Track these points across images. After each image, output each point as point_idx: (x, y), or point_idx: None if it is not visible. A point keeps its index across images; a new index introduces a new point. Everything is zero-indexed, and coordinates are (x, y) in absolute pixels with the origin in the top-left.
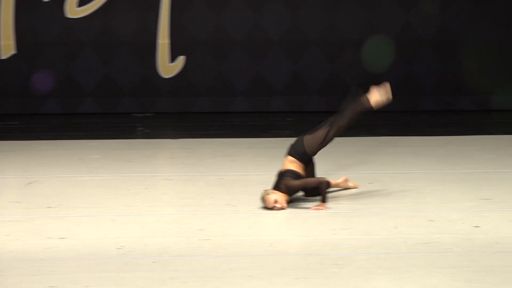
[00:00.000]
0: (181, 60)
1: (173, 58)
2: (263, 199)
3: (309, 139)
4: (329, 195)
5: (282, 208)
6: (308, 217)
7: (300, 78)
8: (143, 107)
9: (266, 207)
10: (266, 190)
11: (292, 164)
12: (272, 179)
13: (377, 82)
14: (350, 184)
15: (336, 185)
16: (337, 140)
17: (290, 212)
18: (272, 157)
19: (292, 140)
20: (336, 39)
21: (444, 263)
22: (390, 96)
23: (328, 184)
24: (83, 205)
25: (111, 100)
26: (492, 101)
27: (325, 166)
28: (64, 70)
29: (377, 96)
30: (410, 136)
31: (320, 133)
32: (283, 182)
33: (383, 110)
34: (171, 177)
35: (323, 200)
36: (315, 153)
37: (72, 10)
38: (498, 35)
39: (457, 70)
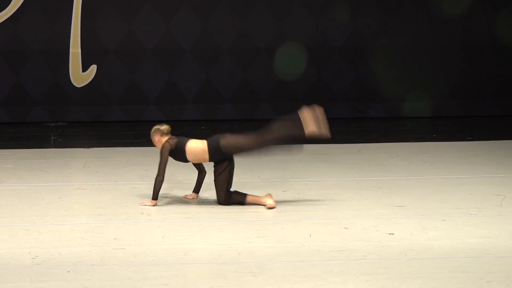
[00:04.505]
0: (93, 69)
1: (85, 67)
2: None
3: (229, 137)
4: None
5: None
6: (223, 225)
7: (211, 86)
8: (56, 116)
9: None
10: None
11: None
12: (186, 187)
13: (290, 89)
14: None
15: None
16: None
17: (205, 220)
18: (185, 165)
19: None
20: (248, 47)
21: (359, 270)
22: (326, 132)
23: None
24: None
25: (22, 109)
26: (403, 108)
27: (243, 176)
28: None
29: (313, 127)
30: (323, 144)
31: (242, 138)
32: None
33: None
34: (85, 186)
35: None
36: (227, 151)
37: None
38: (408, 42)
39: (368, 77)
